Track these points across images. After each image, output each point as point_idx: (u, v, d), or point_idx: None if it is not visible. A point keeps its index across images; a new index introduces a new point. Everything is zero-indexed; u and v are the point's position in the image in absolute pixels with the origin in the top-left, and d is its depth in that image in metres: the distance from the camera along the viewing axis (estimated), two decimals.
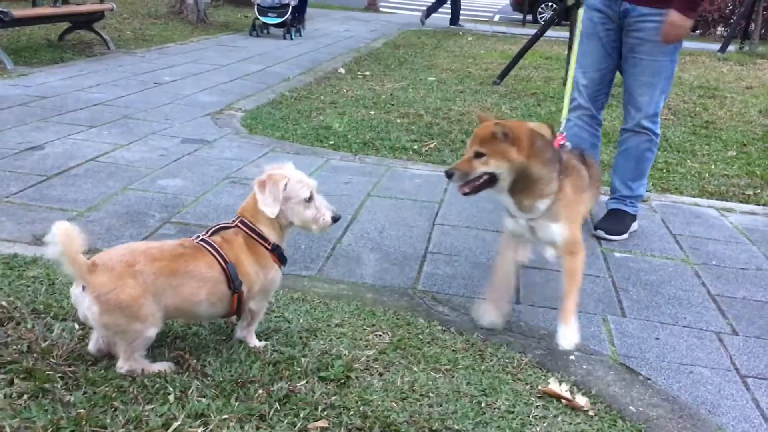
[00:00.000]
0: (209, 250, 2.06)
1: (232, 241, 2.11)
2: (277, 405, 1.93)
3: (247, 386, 2.00)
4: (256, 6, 10.42)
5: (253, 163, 4.39)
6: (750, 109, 7.45)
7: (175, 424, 1.79)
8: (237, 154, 4.57)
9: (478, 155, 2.34)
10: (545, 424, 2.02)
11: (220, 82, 6.94)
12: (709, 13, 16.22)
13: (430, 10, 14.75)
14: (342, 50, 10.02)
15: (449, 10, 14.95)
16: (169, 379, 1.99)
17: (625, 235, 3.64)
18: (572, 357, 2.45)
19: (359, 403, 2.00)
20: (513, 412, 2.06)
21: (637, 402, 2.22)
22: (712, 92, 8.26)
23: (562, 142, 2.77)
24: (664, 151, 5.41)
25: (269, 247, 2.15)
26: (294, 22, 10.66)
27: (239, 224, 2.15)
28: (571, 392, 2.18)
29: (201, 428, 1.80)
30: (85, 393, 1.89)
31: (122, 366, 1.98)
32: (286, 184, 2.12)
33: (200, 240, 2.10)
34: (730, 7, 16.39)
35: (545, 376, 2.29)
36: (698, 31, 16.18)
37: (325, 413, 1.93)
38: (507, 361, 2.36)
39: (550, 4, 17.22)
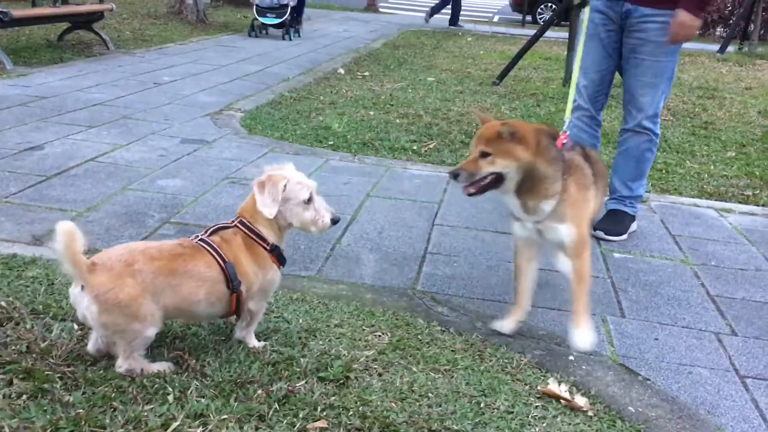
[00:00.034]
0: (208, 250, 2.06)
1: (231, 241, 2.11)
2: (276, 405, 1.93)
3: (246, 386, 2.00)
4: (254, 6, 10.42)
5: (253, 163, 4.39)
6: (749, 109, 7.45)
7: (174, 425, 1.79)
8: (236, 154, 4.57)
9: (484, 155, 2.33)
10: (544, 425, 2.02)
11: (219, 82, 6.94)
12: (708, 13, 16.23)
13: (434, 10, 14.88)
14: (341, 51, 10.03)
15: (450, 10, 14.98)
16: (168, 380, 1.98)
17: (625, 236, 3.64)
18: (571, 357, 2.45)
19: (358, 403, 1.99)
20: (512, 412, 2.05)
21: (636, 402, 2.22)
22: (712, 93, 8.26)
23: (564, 142, 2.76)
24: (663, 152, 5.41)
25: (268, 248, 2.15)
26: (293, 23, 10.66)
27: (238, 224, 2.15)
28: (571, 393, 2.18)
29: (200, 428, 1.80)
30: (84, 393, 1.88)
31: (121, 365, 1.98)
32: (285, 185, 2.12)
33: (199, 240, 2.10)
34: (730, 8, 16.40)
35: (544, 376, 2.29)
36: (697, 32, 16.19)
37: (324, 413, 1.93)
38: (506, 361, 2.36)
39: (550, 4, 17.23)
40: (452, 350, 2.39)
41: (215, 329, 2.34)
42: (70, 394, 1.87)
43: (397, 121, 5.88)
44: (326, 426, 1.88)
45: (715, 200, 4.43)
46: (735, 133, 6.29)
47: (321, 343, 2.32)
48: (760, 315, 2.92)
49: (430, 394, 2.10)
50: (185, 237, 2.17)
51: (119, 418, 1.79)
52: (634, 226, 3.72)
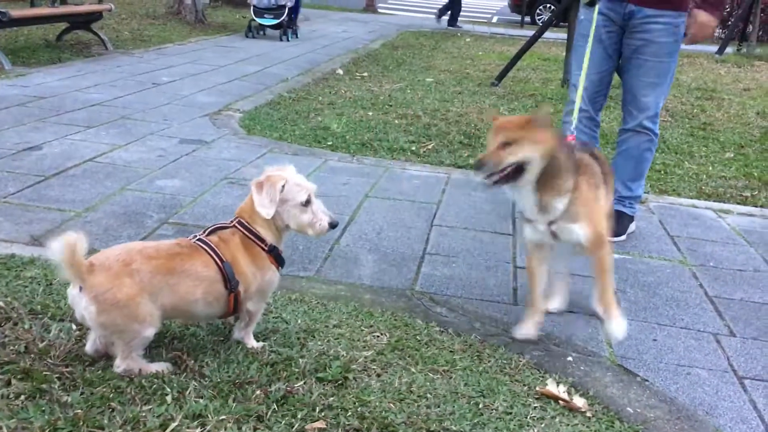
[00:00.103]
0: (206, 250, 2.06)
1: (229, 241, 2.11)
2: (274, 406, 1.93)
3: (244, 387, 2.00)
4: (251, 7, 10.42)
5: (252, 163, 4.38)
6: (747, 110, 7.46)
7: (173, 425, 1.79)
8: (235, 154, 4.57)
9: (505, 145, 2.31)
10: (543, 425, 2.02)
11: (218, 82, 6.94)
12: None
13: (442, 11, 15.13)
14: (340, 51, 10.03)
15: (448, 9, 15.03)
16: (166, 380, 1.98)
17: (623, 237, 3.64)
18: (570, 358, 2.45)
19: (357, 403, 1.99)
20: (511, 413, 2.06)
21: (635, 403, 2.22)
22: (710, 94, 8.27)
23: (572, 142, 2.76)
24: (661, 153, 5.42)
25: (266, 248, 2.15)
26: (290, 24, 10.66)
27: (236, 225, 2.15)
28: (569, 393, 2.18)
29: (198, 429, 1.80)
30: (82, 393, 1.88)
31: (119, 365, 1.98)
32: (283, 186, 2.11)
33: (197, 240, 2.10)
34: (728, 9, 16.42)
35: (543, 377, 2.29)
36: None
37: (323, 414, 1.93)
38: (505, 362, 2.36)
39: (549, 5, 17.24)
40: (451, 351, 2.39)
41: (214, 330, 2.34)
42: (68, 395, 1.87)
43: (396, 121, 5.88)
44: (325, 426, 1.88)
45: (714, 201, 4.44)
46: (733, 134, 6.30)
47: (319, 343, 2.32)
48: (758, 316, 2.92)
49: (428, 395, 2.10)
50: (183, 237, 2.17)
51: (117, 419, 1.79)
52: (632, 227, 3.72)
